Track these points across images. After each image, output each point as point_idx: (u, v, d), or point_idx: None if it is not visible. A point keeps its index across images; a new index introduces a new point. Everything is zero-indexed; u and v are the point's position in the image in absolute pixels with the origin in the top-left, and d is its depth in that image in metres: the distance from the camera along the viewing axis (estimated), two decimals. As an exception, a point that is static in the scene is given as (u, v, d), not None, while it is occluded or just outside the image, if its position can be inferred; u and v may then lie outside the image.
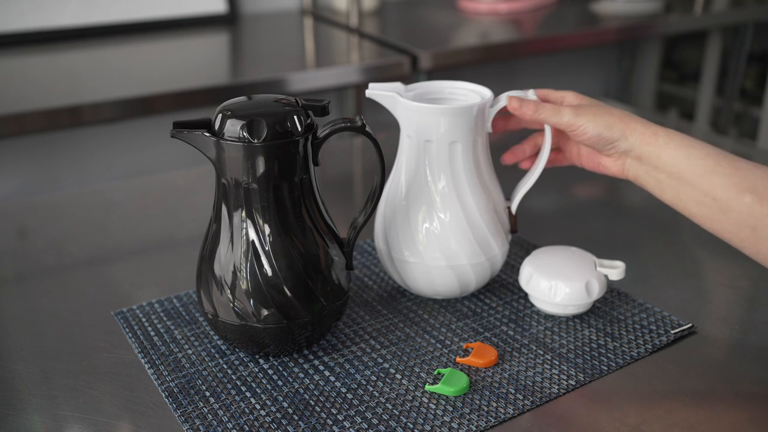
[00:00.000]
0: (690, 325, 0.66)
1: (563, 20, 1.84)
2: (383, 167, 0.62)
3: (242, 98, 0.59)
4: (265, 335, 0.59)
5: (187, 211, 0.91)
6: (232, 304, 0.58)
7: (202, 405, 0.57)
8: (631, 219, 0.88)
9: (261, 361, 0.62)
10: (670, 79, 2.51)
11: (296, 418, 0.56)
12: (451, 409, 0.56)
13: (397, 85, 0.66)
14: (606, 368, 0.61)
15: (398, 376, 0.60)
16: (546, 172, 0.71)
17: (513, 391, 0.58)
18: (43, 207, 0.94)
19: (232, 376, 0.60)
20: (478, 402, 0.57)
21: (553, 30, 1.73)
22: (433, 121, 0.63)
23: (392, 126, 0.71)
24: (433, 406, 0.57)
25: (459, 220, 0.65)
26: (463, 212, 0.65)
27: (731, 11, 1.94)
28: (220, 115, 0.56)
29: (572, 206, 0.93)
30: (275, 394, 0.58)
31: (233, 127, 0.55)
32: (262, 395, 0.58)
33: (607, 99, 1.13)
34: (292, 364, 0.62)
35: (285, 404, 0.57)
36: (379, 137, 0.62)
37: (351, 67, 1.44)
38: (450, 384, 0.58)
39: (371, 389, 0.59)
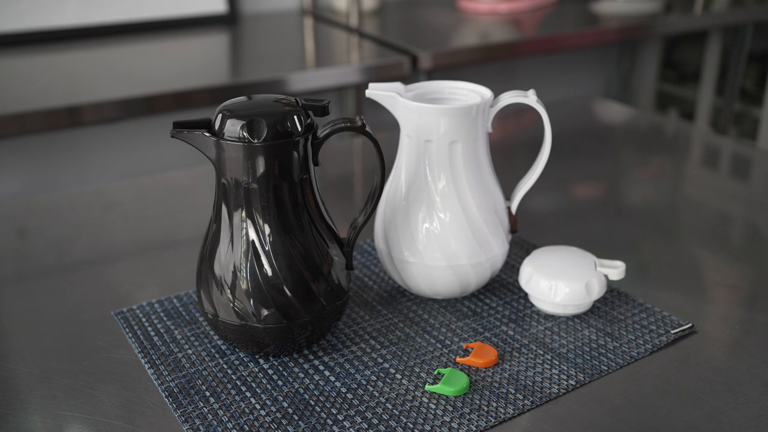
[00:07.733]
0: (690, 325, 0.66)
1: (563, 20, 1.84)
2: (383, 167, 0.62)
3: (242, 98, 0.59)
4: (265, 335, 0.59)
5: (187, 211, 0.91)
6: (232, 304, 0.58)
7: (202, 405, 0.57)
8: (631, 219, 0.88)
9: (261, 361, 0.62)
10: (670, 79, 2.51)
11: (296, 418, 0.56)
12: (451, 409, 0.56)
13: (397, 85, 0.66)
14: (606, 368, 0.61)
15: (398, 376, 0.60)
16: (546, 172, 0.71)
17: (513, 391, 0.58)
18: (43, 207, 0.94)
19: (232, 376, 0.60)
20: (478, 402, 0.57)
21: (553, 30, 1.73)
22: (433, 121, 0.63)
23: (392, 126, 0.71)
24: (433, 406, 0.57)
25: (459, 220, 0.65)
26: (463, 212, 0.65)
27: (731, 11, 1.94)
28: (220, 115, 0.56)
29: (572, 206, 0.92)
30: (275, 394, 0.58)
31: (233, 127, 0.55)
32: (262, 395, 0.58)
33: (607, 99, 1.13)
34: (292, 364, 0.62)
35: (285, 404, 0.57)
36: (379, 137, 0.62)
37: (351, 67, 1.44)
38: (450, 384, 0.58)
39: (371, 389, 0.59)
